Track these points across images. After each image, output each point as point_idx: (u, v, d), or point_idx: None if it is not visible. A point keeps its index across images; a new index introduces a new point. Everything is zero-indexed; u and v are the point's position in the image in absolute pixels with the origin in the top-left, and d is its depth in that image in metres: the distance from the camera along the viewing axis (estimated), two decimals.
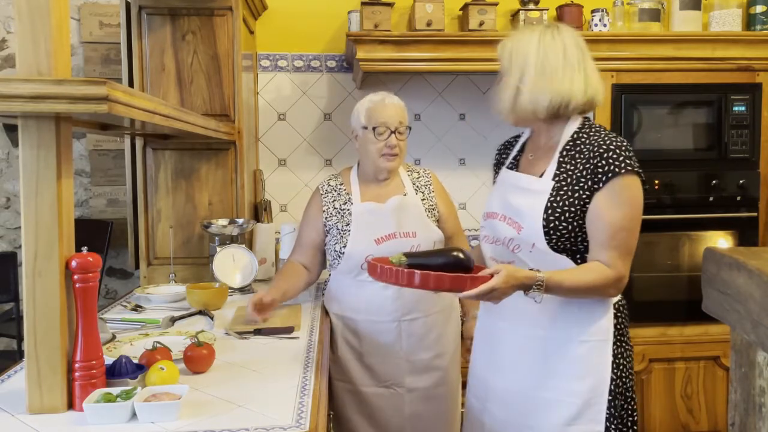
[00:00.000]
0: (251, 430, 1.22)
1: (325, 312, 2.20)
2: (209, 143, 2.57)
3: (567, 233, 1.58)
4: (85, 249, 1.31)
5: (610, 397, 1.59)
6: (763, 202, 2.76)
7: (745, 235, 2.75)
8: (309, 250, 2.21)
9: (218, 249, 2.46)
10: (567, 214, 1.58)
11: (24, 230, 1.26)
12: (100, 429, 1.22)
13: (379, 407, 2.08)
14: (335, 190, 2.21)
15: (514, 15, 3.02)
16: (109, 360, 1.38)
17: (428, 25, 2.79)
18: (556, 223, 1.58)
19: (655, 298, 2.73)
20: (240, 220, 2.56)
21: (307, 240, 2.21)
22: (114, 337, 1.79)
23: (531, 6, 2.92)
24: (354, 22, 2.93)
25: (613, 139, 1.59)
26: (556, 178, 1.61)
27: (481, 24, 2.83)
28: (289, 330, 1.89)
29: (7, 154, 3.20)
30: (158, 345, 1.53)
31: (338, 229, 2.13)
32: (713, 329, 2.68)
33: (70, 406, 1.30)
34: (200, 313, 2.10)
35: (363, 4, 2.77)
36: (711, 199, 2.73)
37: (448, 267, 1.53)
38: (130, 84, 2.61)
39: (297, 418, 1.28)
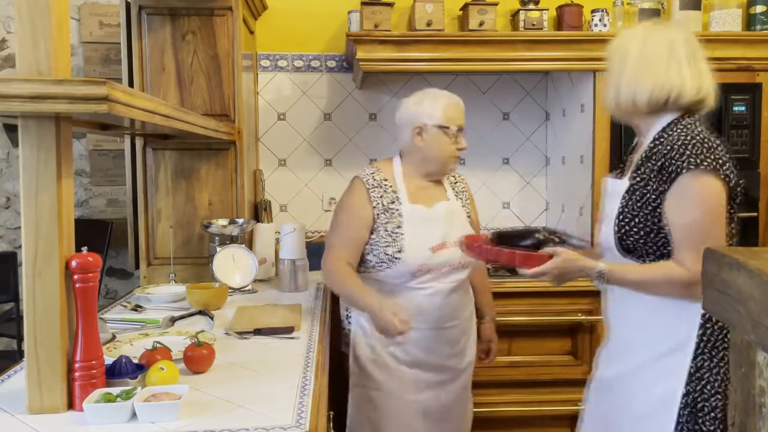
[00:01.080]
0: (251, 430, 1.22)
1: (329, 313, 2.20)
2: (209, 143, 2.57)
3: (640, 237, 1.57)
4: (85, 249, 1.31)
5: (684, 410, 1.55)
6: (763, 202, 2.76)
7: (745, 235, 2.74)
8: (358, 248, 2.00)
9: (218, 249, 2.46)
10: (638, 218, 1.57)
11: (24, 230, 1.26)
12: (100, 429, 1.22)
13: (412, 413, 2.01)
14: (380, 186, 2.02)
15: (514, 15, 3.02)
16: (109, 360, 1.38)
17: (428, 25, 2.79)
18: (628, 228, 1.58)
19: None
20: (240, 220, 2.56)
21: (358, 237, 1.99)
22: (114, 337, 1.79)
23: (531, 6, 2.92)
24: (354, 22, 2.93)
25: (687, 134, 1.54)
26: (632, 180, 1.61)
27: (481, 24, 2.83)
28: (289, 330, 1.89)
29: (7, 154, 3.20)
30: (158, 345, 1.53)
31: (387, 231, 1.98)
32: None
33: (70, 406, 1.30)
34: (200, 313, 2.10)
35: (363, 4, 2.77)
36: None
37: (530, 248, 1.65)
38: (130, 84, 2.61)
39: (297, 418, 1.28)
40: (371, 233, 1.99)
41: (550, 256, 1.59)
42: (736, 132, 2.73)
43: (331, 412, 1.88)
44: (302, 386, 1.45)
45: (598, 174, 2.72)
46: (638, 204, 1.57)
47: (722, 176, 1.51)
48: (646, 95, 1.59)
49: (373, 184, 2.02)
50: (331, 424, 1.69)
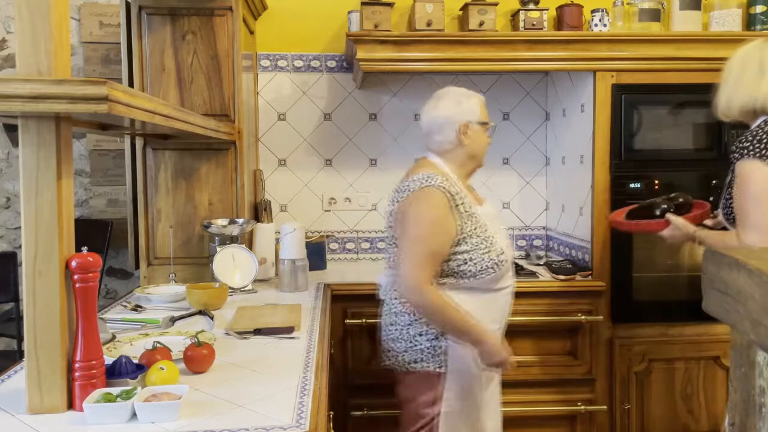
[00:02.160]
0: (251, 430, 1.22)
1: (329, 313, 2.20)
2: (209, 143, 2.57)
3: (731, 212, 1.87)
4: (85, 249, 1.31)
5: None
6: None
7: None
8: (440, 264, 1.91)
9: (218, 249, 2.46)
10: (729, 197, 1.88)
11: (24, 230, 1.26)
12: (100, 429, 1.22)
13: (492, 414, 2.04)
14: (457, 193, 1.95)
15: (514, 15, 3.02)
16: (109, 360, 1.38)
17: (428, 25, 2.79)
18: (726, 204, 1.90)
19: (655, 298, 2.73)
20: (240, 220, 2.56)
21: (444, 253, 1.90)
22: (114, 337, 1.79)
23: (531, 6, 2.92)
24: (354, 22, 2.94)
25: (753, 130, 1.83)
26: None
27: (481, 24, 2.83)
28: (289, 330, 1.89)
29: (7, 154, 3.20)
30: (158, 345, 1.53)
31: (480, 237, 1.93)
32: (713, 329, 2.68)
33: (70, 406, 1.30)
34: (200, 313, 2.10)
35: (363, 4, 2.77)
36: (711, 199, 2.73)
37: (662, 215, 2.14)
38: (130, 84, 2.61)
39: (297, 418, 1.28)
40: (458, 244, 1.91)
41: (668, 223, 2.08)
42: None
43: (331, 412, 1.88)
44: (302, 386, 1.45)
45: (598, 174, 2.72)
46: (730, 187, 1.89)
47: (765, 159, 1.76)
48: (738, 105, 1.91)
49: (452, 192, 1.93)
50: (331, 424, 1.69)
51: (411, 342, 1.97)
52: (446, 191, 1.91)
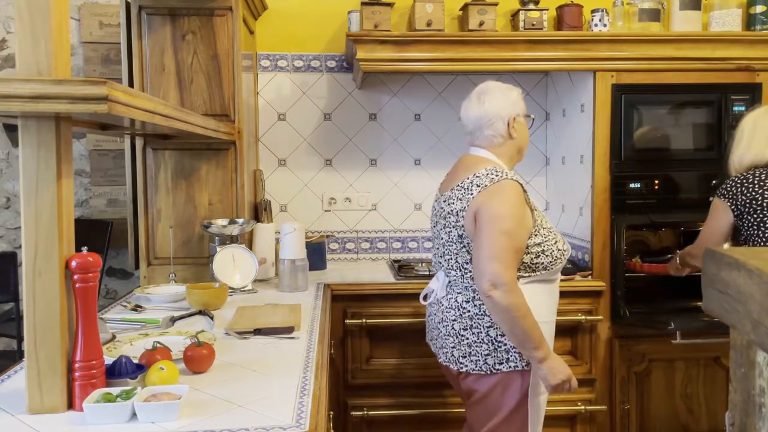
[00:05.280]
0: (251, 430, 1.22)
1: (329, 313, 2.20)
2: (209, 143, 2.57)
3: None
4: (85, 249, 1.31)
5: None
6: None
7: None
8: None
9: (218, 249, 2.46)
10: None
11: (24, 230, 1.26)
12: (100, 429, 1.22)
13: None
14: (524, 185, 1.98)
15: (514, 15, 3.02)
16: (109, 360, 1.38)
17: (428, 25, 2.79)
18: None
19: (655, 297, 2.73)
20: (240, 220, 2.56)
21: (524, 248, 1.88)
22: (114, 337, 1.79)
23: (531, 6, 2.92)
24: (354, 22, 2.94)
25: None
26: None
27: (481, 24, 2.83)
28: (289, 330, 1.89)
29: (7, 154, 3.20)
30: (158, 345, 1.53)
31: (546, 228, 1.95)
32: (714, 329, 2.67)
33: (70, 406, 1.30)
34: (200, 313, 2.10)
35: (363, 4, 2.77)
36: (711, 199, 2.73)
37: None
38: (130, 84, 2.61)
39: (297, 418, 1.28)
40: (531, 237, 1.90)
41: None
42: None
43: (331, 412, 1.88)
44: (302, 386, 1.45)
45: (598, 174, 2.72)
46: None
47: (724, 199, 2.18)
48: (748, 162, 2.21)
49: (523, 184, 1.96)
50: (331, 424, 1.69)
51: (494, 344, 1.91)
52: (521, 183, 1.93)
